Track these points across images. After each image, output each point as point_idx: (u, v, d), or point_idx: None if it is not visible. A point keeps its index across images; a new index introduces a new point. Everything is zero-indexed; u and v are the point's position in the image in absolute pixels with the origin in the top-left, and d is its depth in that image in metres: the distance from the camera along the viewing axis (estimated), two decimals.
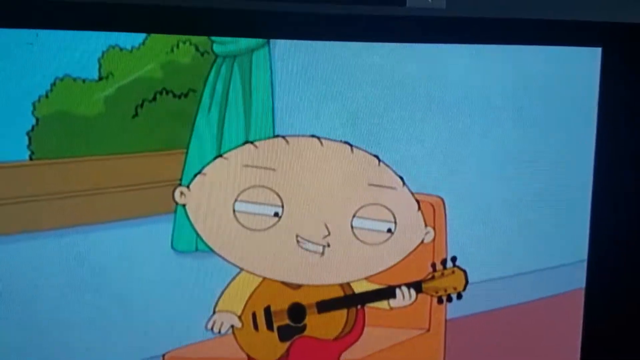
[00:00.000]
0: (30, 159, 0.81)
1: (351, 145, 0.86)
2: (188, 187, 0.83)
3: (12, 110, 0.81)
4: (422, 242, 0.87)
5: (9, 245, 0.82)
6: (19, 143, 0.81)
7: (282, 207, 0.85)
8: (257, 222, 0.85)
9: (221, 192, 0.84)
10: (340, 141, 0.86)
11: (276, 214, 0.85)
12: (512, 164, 0.89)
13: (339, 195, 0.86)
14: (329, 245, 0.86)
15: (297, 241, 0.86)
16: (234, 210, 0.84)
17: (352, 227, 0.86)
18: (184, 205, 0.83)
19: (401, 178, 0.87)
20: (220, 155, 0.83)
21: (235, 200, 0.84)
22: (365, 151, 0.86)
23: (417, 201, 0.87)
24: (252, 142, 0.84)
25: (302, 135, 0.85)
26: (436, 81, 0.87)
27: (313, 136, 0.85)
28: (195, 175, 0.84)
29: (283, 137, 0.85)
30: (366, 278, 0.88)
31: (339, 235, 0.86)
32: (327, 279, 0.87)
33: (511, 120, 0.90)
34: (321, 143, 0.85)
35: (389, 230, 0.87)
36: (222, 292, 0.87)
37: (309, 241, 0.86)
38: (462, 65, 0.87)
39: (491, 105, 0.89)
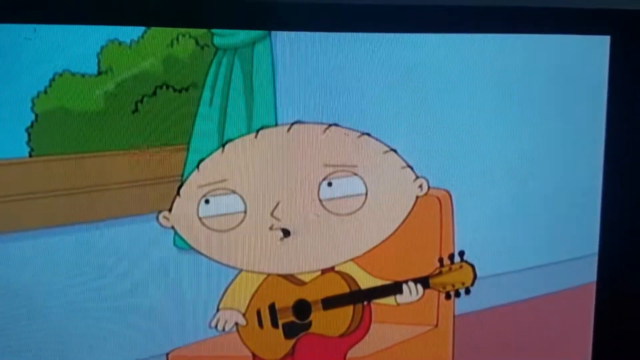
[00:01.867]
0: (30, 155, 0.80)
1: (341, 127, 0.84)
2: (170, 210, 0.82)
3: (11, 106, 0.80)
4: (417, 198, 0.84)
5: (9, 243, 0.82)
6: (18, 139, 0.80)
7: (244, 203, 0.83)
8: (225, 222, 0.83)
9: (193, 199, 0.83)
10: (330, 124, 0.84)
11: (243, 210, 0.83)
12: (521, 155, 0.89)
13: (302, 175, 0.83)
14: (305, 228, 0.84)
15: (270, 228, 0.84)
16: (199, 217, 0.83)
17: (320, 199, 0.83)
18: (172, 228, 0.83)
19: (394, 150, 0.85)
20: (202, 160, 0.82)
21: (199, 204, 0.83)
22: (359, 132, 0.85)
23: (394, 150, 0.84)
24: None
25: (287, 124, 0.83)
26: (444, 72, 0.86)
27: (298, 122, 0.83)
28: (179, 188, 0.83)
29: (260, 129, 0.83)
30: (365, 264, 0.86)
31: (307, 213, 0.83)
32: (320, 263, 0.86)
33: (519, 111, 0.89)
34: (307, 128, 0.83)
35: (364, 194, 0.84)
36: (226, 290, 0.86)
37: (283, 228, 0.84)
38: (469, 56, 0.86)
39: (498, 97, 0.88)
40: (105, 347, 0.85)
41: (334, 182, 0.83)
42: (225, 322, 0.86)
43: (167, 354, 0.85)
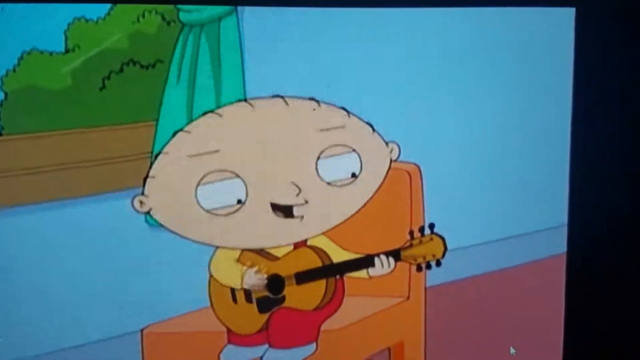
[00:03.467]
0: (0, 134, 0.80)
1: (318, 102, 0.84)
2: (143, 193, 0.81)
3: None
4: (391, 162, 0.85)
5: None
6: None
7: (246, 187, 0.83)
8: (223, 206, 0.83)
9: (183, 176, 0.82)
10: (306, 98, 0.84)
11: (239, 201, 0.83)
12: (489, 127, 0.90)
13: (298, 150, 0.84)
14: (306, 202, 0.84)
15: (274, 210, 0.85)
16: (196, 198, 0.83)
17: (318, 173, 0.83)
18: (148, 212, 0.82)
19: (370, 125, 0.86)
20: (181, 129, 0.82)
21: (198, 185, 0.83)
22: (331, 104, 0.85)
23: (370, 124, 0.85)
24: (212, 111, 0.83)
25: (266, 98, 0.83)
26: (412, 45, 0.87)
27: (277, 96, 0.83)
28: (156, 156, 0.82)
29: (246, 100, 0.83)
30: (340, 245, 0.87)
31: (310, 187, 0.84)
32: (307, 233, 0.86)
33: (487, 83, 0.89)
34: (286, 102, 0.83)
35: (354, 175, 0.85)
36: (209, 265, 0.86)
37: (285, 205, 0.84)
38: (436, 29, 0.87)
39: (466, 69, 0.89)
40: (76, 324, 0.84)
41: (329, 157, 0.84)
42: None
43: (142, 330, 0.85)
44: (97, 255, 0.84)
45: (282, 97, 0.83)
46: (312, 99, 0.83)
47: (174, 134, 0.82)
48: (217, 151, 0.81)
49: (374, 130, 0.85)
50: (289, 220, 0.84)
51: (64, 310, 0.84)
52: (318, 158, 0.83)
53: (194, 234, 0.83)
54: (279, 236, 0.85)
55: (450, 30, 0.87)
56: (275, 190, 0.83)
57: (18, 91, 0.80)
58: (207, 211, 0.82)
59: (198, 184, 0.81)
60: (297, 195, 0.84)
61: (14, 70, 0.79)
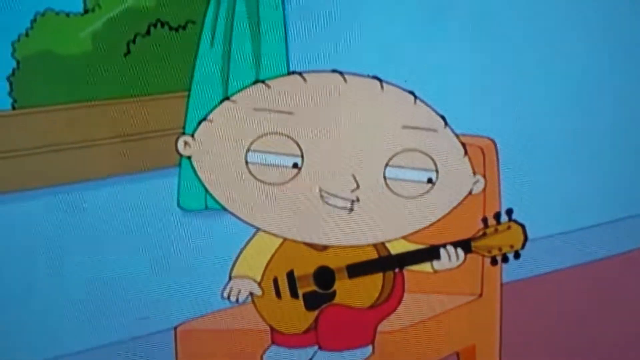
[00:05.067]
0: (13, 107, 0.77)
1: (381, 81, 0.78)
2: (192, 136, 0.77)
3: None
4: (470, 193, 0.80)
5: None
6: None
7: (302, 156, 0.77)
8: (273, 175, 0.78)
9: (231, 140, 0.77)
10: (368, 76, 0.78)
11: (295, 165, 0.77)
12: (575, 96, 0.85)
13: (368, 141, 0.78)
14: (358, 200, 0.79)
15: (321, 196, 0.78)
16: (246, 162, 0.77)
17: (384, 177, 0.78)
18: (189, 158, 0.77)
19: (443, 118, 0.79)
20: (227, 98, 0.77)
21: (248, 150, 0.77)
22: (399, 87, 0.78)
23: (463, 145, 0.79)
24: (263, 82, 0.77)
25: (322, 71, 0.77)
26: (481, 5, 0.81)
27: (335, 71, 0.77)
28: (200, 122, 0.77)
29: (299, 73, 0.77)
30: (404, 237, 0.81)
31: (369, 188, 0.78)
32: (358, 239, 0.80)
33: (573, 45, 0.84)
34: (345, 80, 0.77)
35: (430, 181, 0.79)
36: (238, 255, 0.80)
37: (334, 195, 0.78)
38: None
39: (550, 29, 0.83)
40: (106, 322, 0.80)
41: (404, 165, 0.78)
42: (239, 291, 0.80)
43: (175, 328, 0.81)
44: (123, 244, 0.80)
45: (341, 73, 0.77)
46: (375, 77, 0.77)
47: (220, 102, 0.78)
48: (289, 113, 0.77)
49: (465, 153, 0.79)
50: (343, 218, 0.79)
51: (88, 306, 0.80)
52: (391, 158, 0.78)
53: (234, 200, 0.78)
54: (327, 233, 0.79)
55: None
56: (329, 177, 0.78)
57: (32, 58, 0.76)
58: (254, 176, 0.77)
59: (250, 146, 0.77)
60: (352, 191, 0.78)
61: (27, 35, 0.76)
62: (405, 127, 0.78)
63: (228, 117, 0.77)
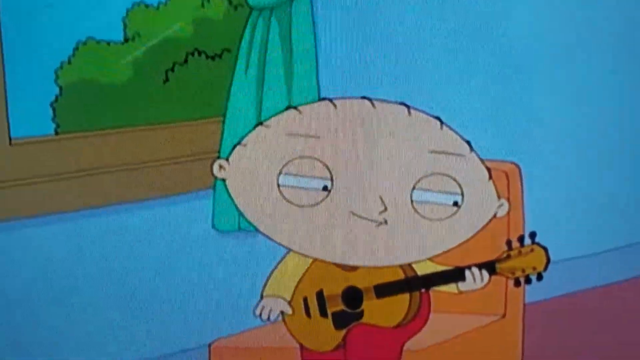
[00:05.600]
0: (56, 132, 0.78)
1: (408, 107, 0.78)
2: (227, 159, 0.77)
3: (33, 80, 0.77)
4: (495, 216, 0.79)
5: (39, 228, 0.78)
6: (43, 115, 0.78)
7: (332, 179, 0.78)
8: (304, 197, 0.78)
9: (264, 164, 0.78)
10: (396, 102, 0.78)
11: (325, 188, 0.78)
12: (601, 118, 0.85)
13: (395, 165, 0.79)
14: (385, 222, 0.79)
15: (350, 218, 0.79)
16: (278, 185, 0.78)
17: (411, 200, 0.78)
18: (223, 180, 0.77)
19: (468, 143, 0.79)
20: (260, 123, 0.77)
21: (280, 173, 0.78)
22: (425, 113, 0.78)
23: (488, 169, 0.79)
24: (295, 107, 0.77)
25: (352, 98, 0.77)
26: (505, 28, 0.81)
27: (364, 98, 0.77)
28: (234, 147, 0.77)
29: (330, 100, 0.77)
30: (429, 259, 0.81)
31: (396, 210, 0.79)
32: (385, 260, 0.80)
33: (599, 70, 0.84)
34: (373, 105, 0.78)
35: (455, 204, 0.79)
36: (270, 276, 0.81)
37: (363, 217, 0.78)
38: (533, 6, 0.81)
39: (574, 49, 0.84)
40: (139, 338, 0.81)
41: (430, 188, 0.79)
42: (270, 310, 0.80)
43: (209, 345, 0.81)
44: (160, 263, 0.80)
45: (369, 99, 0.77)
46: (402, 103, 0.78)
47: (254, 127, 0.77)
48: (319, 137, 0.77)
49: (490, 177, 0.78)
50: (372, 241, 0.79)
51: (125, 325, 0.81)
52: (418, 181, 0.78)
53: (266, 221, 0.78)
54: (356, 254, 0.79)
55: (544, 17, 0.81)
56: (358, 200, 0.78)
57: (74, 85, 0.78)
58: (286, 198, 0.78)
59: (282, 169, 0.77)
60: (380, 213, 0.78)
61: (69, 62, 0.78)
62: (432, 151, 0.78)
63: (261, 141, 0.77)
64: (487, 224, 0.80)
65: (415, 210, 0.78)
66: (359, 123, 0.78)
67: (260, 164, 0.78)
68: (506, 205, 0.79)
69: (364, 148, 0.78)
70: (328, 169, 0.78)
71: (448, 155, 0.78)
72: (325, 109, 0.77)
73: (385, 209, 0.78)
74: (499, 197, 0.79)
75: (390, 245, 0.79)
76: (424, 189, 0.78)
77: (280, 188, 0.78)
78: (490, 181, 0.79)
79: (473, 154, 0.79)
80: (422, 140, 0.78)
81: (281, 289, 0.81)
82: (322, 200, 0.78)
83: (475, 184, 0.79)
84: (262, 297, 0.81)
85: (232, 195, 0.78)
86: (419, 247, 0.80)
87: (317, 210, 0.78)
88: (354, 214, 0.78)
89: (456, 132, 0.79)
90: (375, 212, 0.78)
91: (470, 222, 0.80)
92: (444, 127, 0.78)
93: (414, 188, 0.78)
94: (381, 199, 0.78)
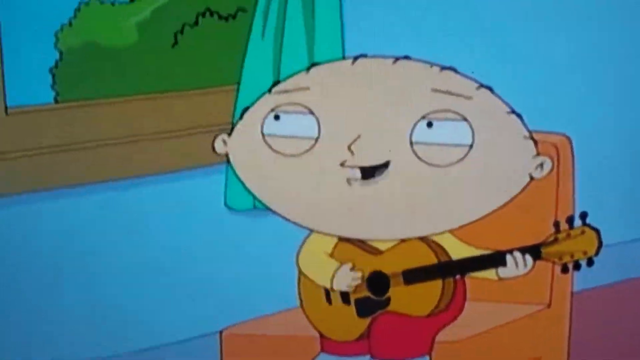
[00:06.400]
0: (56, 101, 0.78)
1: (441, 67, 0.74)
2: (230, 134, 0.75)
3: (32, 43, 0.77)
4: (532, 178, 0.75)
5: (38, 204, 0.78)
6: (41, 82, 0.78)
7: (319, 126, 0.74)
8: (291, 146, 0.74)
9: (253, 128, 0.75)
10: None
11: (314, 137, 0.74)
12: None
13: (392, 104, 0.74)
14: (386, 166, 0.74)
15: (342, 165, 0.75)
16: (262, 135, 0.74)
17: (411, 142, 0.74)
18: (226, 156, 0.75)
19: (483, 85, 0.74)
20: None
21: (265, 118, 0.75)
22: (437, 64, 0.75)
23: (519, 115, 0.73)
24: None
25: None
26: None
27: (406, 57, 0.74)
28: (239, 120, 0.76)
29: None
30: (464, 241, 0.77)
31: (398, 155, 0.74)
32: (402, 231, 0.76)
33: None
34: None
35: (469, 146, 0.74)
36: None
37: (357, 166, 0.74)
38: None
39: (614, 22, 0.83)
40: (148, 324, 0.80)
41: (435, 123, 0.74)
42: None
43: (221, 332, 0.80)
44: (168, 244, 0.80)
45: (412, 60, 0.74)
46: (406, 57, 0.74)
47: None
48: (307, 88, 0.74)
49: (529, 136, 0.74)
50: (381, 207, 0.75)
51: (130, 308, 0.80)
52: (421, 123, 0.73)
53: (267, 193, 0.75)
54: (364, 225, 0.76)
55: None
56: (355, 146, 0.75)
57: (75, 49, 0.77)
58: (274, 150, 0.74)
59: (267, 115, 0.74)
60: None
61: (70, 24, 0.77)
62: (435, 90, 0.73)
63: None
64: (524, 188, 0.74)
65: (420, 158, 0.74)
66: (354, 71, 0.74)
67: (252, 130, 0.75)
68: (548, 162, 0.74)
69: (355, 91, 0.74)
70: (316, 117, 0.74)
71: (454, 96, 0.73)
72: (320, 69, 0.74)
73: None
74: (537, 153, 0.74)
75: (404, 211, 0.75)
76: (426, 125, 0.73)
77: (266, 137, 0.74)
78: (512, 115, 0.73)
79: (484, 90, 0.73)
80: (422, 80, 0.74)
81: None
82: (310, 148, 0.74)
83: (489, 119, 0.73)
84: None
85: (237, 171, 0.75)
86: (439, 215, 0.76)
87: (307, 159, 0.74)
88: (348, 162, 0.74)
89: (470, 77, 0.73)
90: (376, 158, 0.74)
91: (498, 179, 0.74)
92: (452, 72, 0.74)
93: (414, 127, 0.73)
94: (378, 142, 0.74)
